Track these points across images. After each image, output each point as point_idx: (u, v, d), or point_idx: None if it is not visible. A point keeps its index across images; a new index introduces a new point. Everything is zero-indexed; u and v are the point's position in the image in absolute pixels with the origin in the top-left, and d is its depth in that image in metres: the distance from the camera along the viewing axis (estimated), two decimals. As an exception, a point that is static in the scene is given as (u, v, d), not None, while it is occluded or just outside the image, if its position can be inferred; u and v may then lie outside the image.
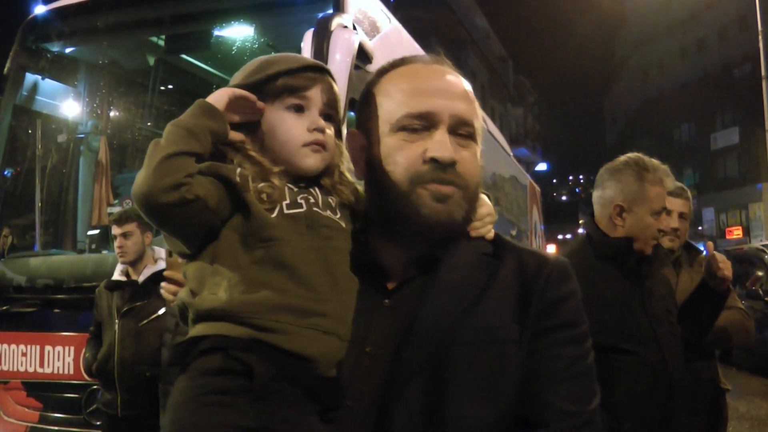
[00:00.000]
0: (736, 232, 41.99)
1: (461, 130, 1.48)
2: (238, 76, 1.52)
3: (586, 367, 1.47)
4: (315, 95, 1.50)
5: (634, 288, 2.98)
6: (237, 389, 1.26)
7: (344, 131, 1.64)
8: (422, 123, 1.45)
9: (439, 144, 1.43)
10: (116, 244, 4.48)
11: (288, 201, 1.42)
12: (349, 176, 1.57)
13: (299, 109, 1.49)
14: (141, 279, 4.49)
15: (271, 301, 1.32)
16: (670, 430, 2.90)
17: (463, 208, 1.46)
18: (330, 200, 1.50)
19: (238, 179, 1.38)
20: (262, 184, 1.39)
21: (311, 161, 1.48)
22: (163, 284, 2.92)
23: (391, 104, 1.49)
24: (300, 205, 1.43)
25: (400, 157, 1.45)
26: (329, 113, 1.53)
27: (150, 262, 4.58)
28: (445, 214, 1.43)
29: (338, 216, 1.48)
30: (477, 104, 1.54)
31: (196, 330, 1.34)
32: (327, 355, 1.35)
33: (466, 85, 1.55)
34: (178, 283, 2.87)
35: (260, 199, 1.38)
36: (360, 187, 1.58)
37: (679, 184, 3.44)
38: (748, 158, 44.39)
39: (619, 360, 2.83)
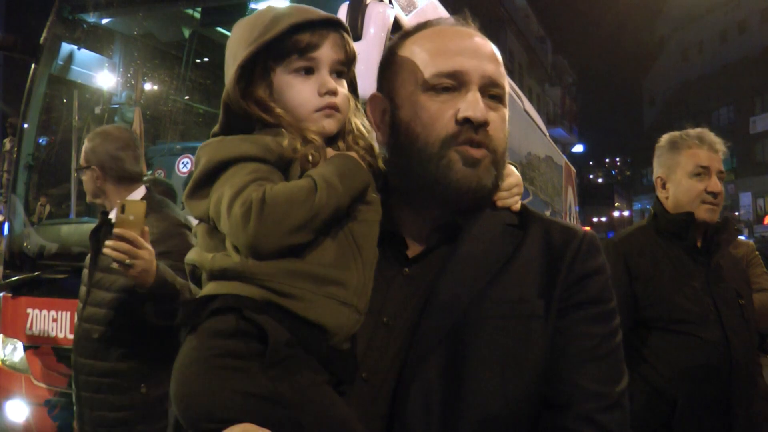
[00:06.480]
0: (774, 218, 41.36)
1: (491, 92, 1.43)
2: (246, 34, 1.37)
3: (615, 346, 1.41)
4: (324, 54, 1.38)
5: (699, 267, 3.04)
6: (250, 353, 1.19)
7: None
8: (452, 82, 1.40)
9: (472, 103, 1.38)
10: None
11: None
12: (364, 131, 1.46)
13: (308, 71, 1.38)
14: None
15: (289, 265, 1.25)
16: (730, 412, 2.92)
17: (491, 174, 1.42)
18: None
19: (292, 153, 1.30)
20: (306, 147, 1.32)
21: (325, 126, 1.38)
22: (109, 242, 2.64)
23: (417, 64, 1.43)
24: None
25: (430, 117, 1.40)
26: (341, 70, 1.43)
27: None
28: (474, 180, 1.39)
29: None
30: (503, 67, 1.49)
31: (208, 288, 1.29)
32: (342, 327, 1.28)
33: (494, 47, 1.49)
34: (128, 242, 2.62)
35: (305, 160, 1.30)
36: (374, 143, 1.49)
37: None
38: (788, 143, 43.64)
39: (675, 337, 2.93)
